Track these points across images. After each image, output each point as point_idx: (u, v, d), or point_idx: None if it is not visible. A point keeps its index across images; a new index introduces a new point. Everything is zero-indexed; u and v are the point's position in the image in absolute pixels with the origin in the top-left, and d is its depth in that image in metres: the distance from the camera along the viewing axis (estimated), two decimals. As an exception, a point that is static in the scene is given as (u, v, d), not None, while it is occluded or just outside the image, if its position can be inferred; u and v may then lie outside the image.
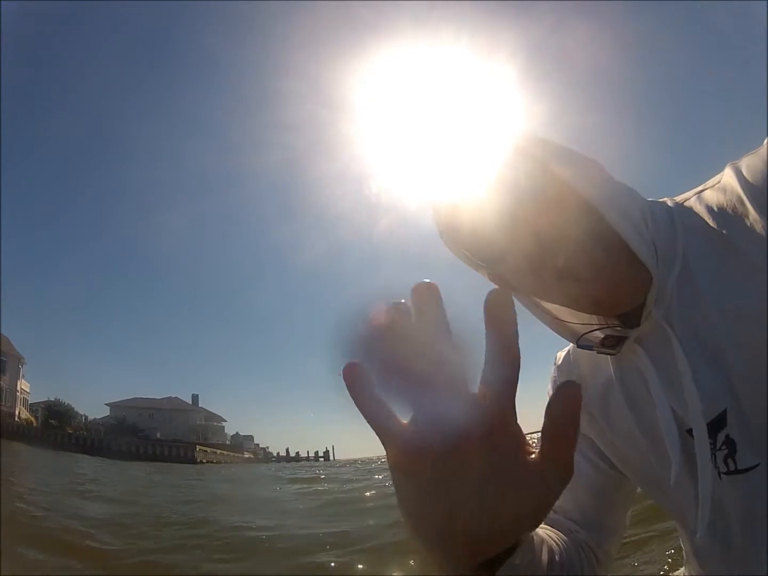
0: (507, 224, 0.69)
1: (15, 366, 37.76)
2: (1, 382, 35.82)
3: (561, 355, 0.96)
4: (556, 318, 0.82)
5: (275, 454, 54.00)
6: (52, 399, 43.87)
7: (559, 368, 0.96)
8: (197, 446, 39.97)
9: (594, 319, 0.79)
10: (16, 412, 37.07)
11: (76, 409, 45.07)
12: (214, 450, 42.68)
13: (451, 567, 0.47)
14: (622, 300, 0.72)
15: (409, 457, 0.40)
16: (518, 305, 0.77)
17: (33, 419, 39.39)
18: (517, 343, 0.38)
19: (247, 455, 49.00)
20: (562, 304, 0.78)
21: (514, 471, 0.39)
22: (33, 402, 41.94)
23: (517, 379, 0.38)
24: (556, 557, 0.75)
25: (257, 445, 55.26)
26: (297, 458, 51.80)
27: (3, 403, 35.40)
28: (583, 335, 0.80)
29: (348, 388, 0.39)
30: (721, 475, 0.70)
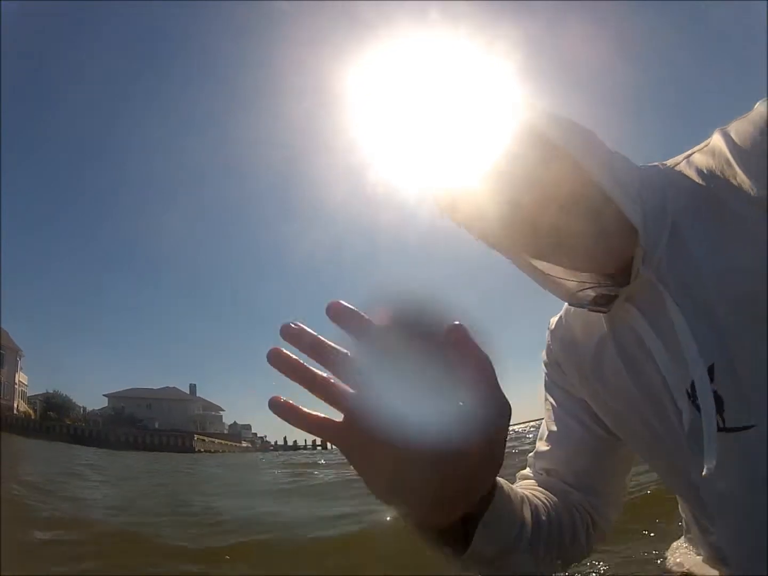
0: (504, 207, 0.72)
1: (13, 359, 37.58)
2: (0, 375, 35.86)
3: (554, 320, 0.97)
4: (548, 275, 0.83)
5: (273, 443, 54.18)
6: (50, 391, 43.83)
7: (552, 333, 0.96)
8: (195, 435, 40.16)
9: (586, 277, 0.81)
10: (15, 405, 36.95)
11: (74, 401, 45.07)
12: (212, 439, 42.79)
13: (426, 532, 0.54)
14: (611, 258, 0.73)
15: (354, 447, 0.48)
16: (509, 264, 0.84)
17: (31, 412, 39.35)
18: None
19: (245, 444, 49.07)
20: (552, 262, 0.80)
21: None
22: (31, 395, 41.85)
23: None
24: (542, 516, 0.76)
25: (255, 434, 55.32)
26: (295, 447, 51.94)
27: (2, 396, 35.43)
28: (574, 293, 0.82)
29: (283, 418, 0.47)
30: None
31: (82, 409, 45.89)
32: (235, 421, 54.43)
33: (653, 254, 0.71)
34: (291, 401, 0.47)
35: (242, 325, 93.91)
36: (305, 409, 0.47)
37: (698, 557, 0.92)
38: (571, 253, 0.73)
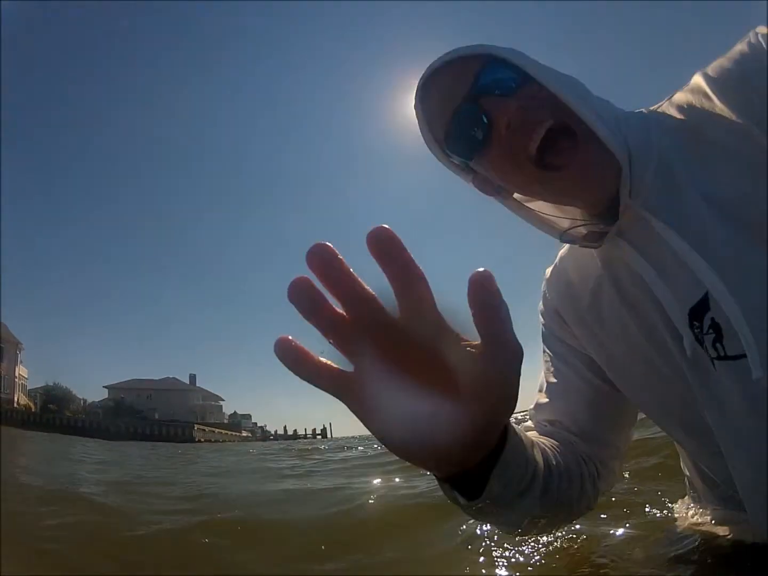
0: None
1: (13, 352, 37.62)
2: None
3: (549, 269, 0.96)
4: (541, 214, 0.84)
5: (273, 432, 54.34)
6: (50, 384, 43.92)
7: (548, 281, 0.96)
8: (195, 425, 40.27)
9: (578, 214, 0.82)
10: (15, 399, 37.02)
11: (74, 393, 45.22)
12: (212, 429, 42.93)
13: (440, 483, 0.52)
14: (597, 189, 0.74)
15: (360, 398, 0.41)
16: (504, 210, 0.85)
17: (32, 404, 39.46)
18: (407, 261, 0.38)
19: (244, 434, 49.19)
20: (543, 197, 0.81)
21: (460, 369, 0.39)
22: (32, 388, 41.84)
23: (417, 284, 0.39)
24: (552, 461, 0.74)
25: (255, 423, 55.52)
26: (295, 436, 52.10)
27: (2, 390, 35.38)
28: (566, 231, 0.82)
29: (284, 363, 0.41)
30: (714, 362, 0.68)
31: (82, 402, 46.02)
32: (235, 411, 54.73)
33: (640, 185, 0.72)
34: (299, 345, 0.41)
35: (242, 316, 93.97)
36: (312, 353, 0.41)
37: (707, 517, 0.91)
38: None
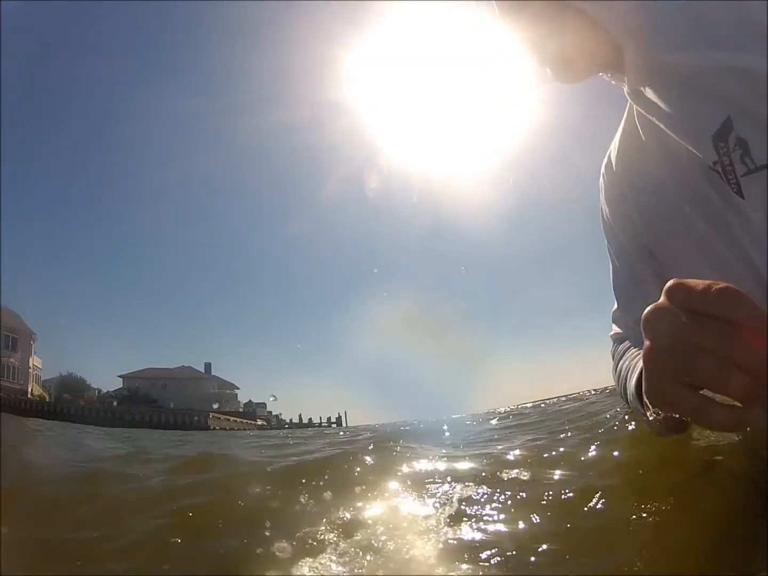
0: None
1: (26, 343, 37.85)
2: (13, 360, 35.90)
3: (603, 163, 1.03)
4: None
5: (288, 421, 54.56)
6: (64, 374, 44.29)
7: (606, 167, 1.01)
8: (210, 414, 40.29)
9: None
10: (29, 389, 37.31)
11: (89, 383, 45.67)
12: (227, 417, 42.97)
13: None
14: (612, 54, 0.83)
15: None
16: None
17: (46, 395, 39.70)
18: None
19: (260, 422, 49.35)
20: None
21: None
22: (46, 378, 42.23)
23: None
24: None
25: (270, 412, 55.72)
26: (310, 424, 52.28)
27: (16, 381, 35.57)
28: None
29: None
30: (740, 180, 0.70)
31: (97, 391, 46.42)
32: (250, 400, 54.85)
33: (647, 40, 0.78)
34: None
35: (258, 304, 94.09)
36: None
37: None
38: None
